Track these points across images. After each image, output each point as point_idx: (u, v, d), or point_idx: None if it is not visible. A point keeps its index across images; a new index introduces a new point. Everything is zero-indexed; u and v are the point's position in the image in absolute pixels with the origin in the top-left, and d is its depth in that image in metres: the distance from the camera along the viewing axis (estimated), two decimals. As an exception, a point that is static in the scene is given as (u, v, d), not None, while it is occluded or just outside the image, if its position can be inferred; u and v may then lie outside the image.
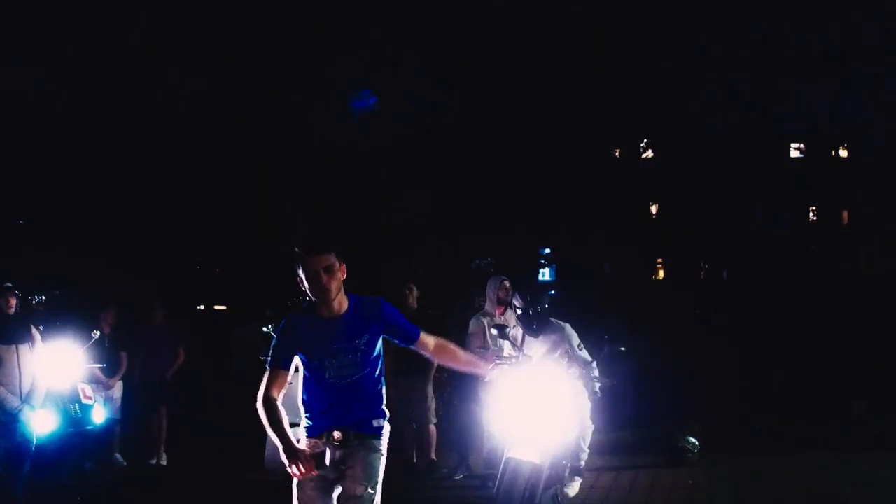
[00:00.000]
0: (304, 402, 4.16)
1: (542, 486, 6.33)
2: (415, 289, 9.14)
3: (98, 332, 8.78)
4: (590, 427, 7.41)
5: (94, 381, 9.49)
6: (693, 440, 9.39)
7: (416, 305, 9.05)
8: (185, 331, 11.24)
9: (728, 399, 11.79)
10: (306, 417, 4.16)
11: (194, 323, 15.09)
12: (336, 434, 4.05)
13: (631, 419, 10.73)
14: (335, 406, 4.08)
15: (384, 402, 4.19)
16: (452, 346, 4.52)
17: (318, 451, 4.02)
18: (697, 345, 12.58)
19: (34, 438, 6.90)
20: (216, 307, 26.75)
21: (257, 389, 4.01)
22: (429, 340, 4.36)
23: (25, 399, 6.80)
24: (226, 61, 15.41)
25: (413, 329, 4.31)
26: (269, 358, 4.08)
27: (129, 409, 10.21)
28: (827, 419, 11.75)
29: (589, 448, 7.49)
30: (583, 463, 7.47)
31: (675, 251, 18.82)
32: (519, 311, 7.16)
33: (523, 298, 7.23)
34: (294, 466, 3.87)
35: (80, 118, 14.70)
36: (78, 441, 7.84)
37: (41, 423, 7.04)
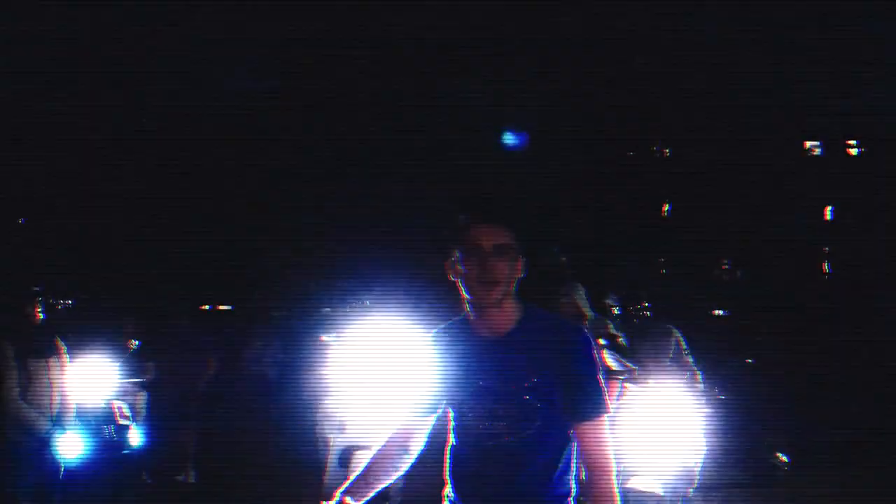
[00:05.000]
0: (447, 463, 2.76)
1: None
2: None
3: (137, 342, 7.83)
4: (703, 449, 6.51)
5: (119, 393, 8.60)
6: (783, 456, 8.58)
7: None
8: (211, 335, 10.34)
9: (799, 409, 10.97)
10: (450, 486, 2.75)
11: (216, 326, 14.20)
12: None
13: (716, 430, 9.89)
14: (487, 480, 2.63)
15: (566, 476, 2.69)
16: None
17: None
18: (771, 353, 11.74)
19: (64, 465, 6.02)
20: (220, 307, 25.78)
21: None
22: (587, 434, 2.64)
23: (56, 421, 5.93)
24: None
25: (593, 407, 2.62)
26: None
27: (155, 421, 9.27)
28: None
29: (700, 474, 6.60)
30: (691, 490, 6.58)
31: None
32: (618, 312, 6.23)
33: (622, 296, 6.28)
34: None
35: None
36: (112, 468, 6.88)
37: (71, 448, 6.12)
